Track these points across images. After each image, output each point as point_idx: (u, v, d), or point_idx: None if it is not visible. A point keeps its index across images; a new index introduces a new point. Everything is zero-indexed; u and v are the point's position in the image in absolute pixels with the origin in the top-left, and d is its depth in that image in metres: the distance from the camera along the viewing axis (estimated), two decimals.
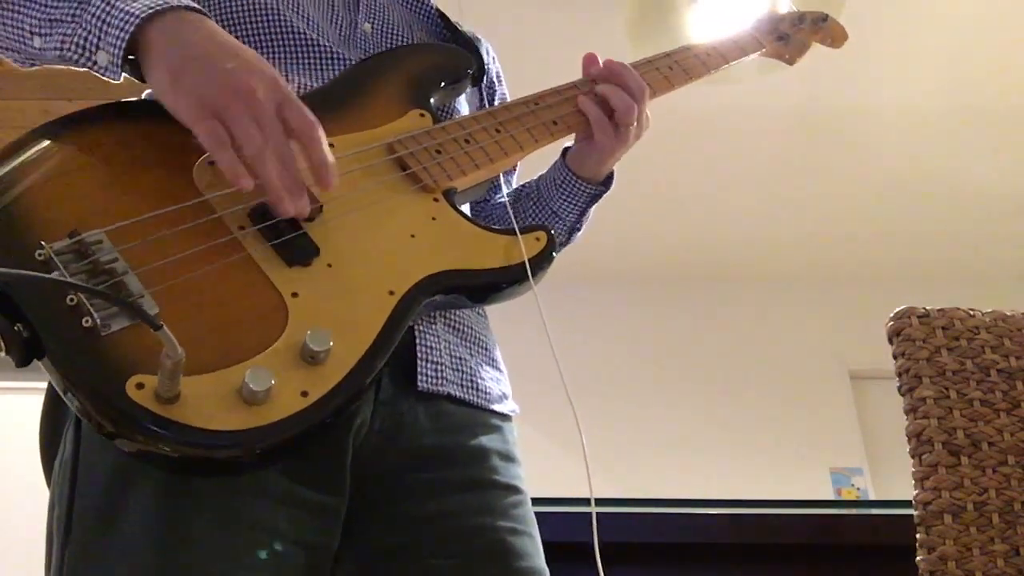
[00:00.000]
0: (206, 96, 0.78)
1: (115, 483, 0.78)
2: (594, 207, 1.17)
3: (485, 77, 1.19)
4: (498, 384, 1.03)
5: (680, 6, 2.81)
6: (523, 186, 1.22)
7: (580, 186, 1.13)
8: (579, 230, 1.19)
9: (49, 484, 0.86)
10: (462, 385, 0.96)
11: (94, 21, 0.81)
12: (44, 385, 0.88)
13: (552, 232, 0.97)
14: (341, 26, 1.10)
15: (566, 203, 1.14)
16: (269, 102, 0.79)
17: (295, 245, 0.81)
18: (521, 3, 2.95)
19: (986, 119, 3.41)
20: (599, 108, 1.07)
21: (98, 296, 0.69)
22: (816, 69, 3.09)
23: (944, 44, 3.10)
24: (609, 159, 1.11)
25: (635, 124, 1.07)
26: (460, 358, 0.98)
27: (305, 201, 0.82)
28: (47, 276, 0.69)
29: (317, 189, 0.83)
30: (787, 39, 1.34)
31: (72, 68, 0.87)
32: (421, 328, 0.94)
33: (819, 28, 1.37)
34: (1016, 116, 3.39)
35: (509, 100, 1.20)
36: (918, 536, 0.98)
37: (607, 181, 1.15)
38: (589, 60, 1.13)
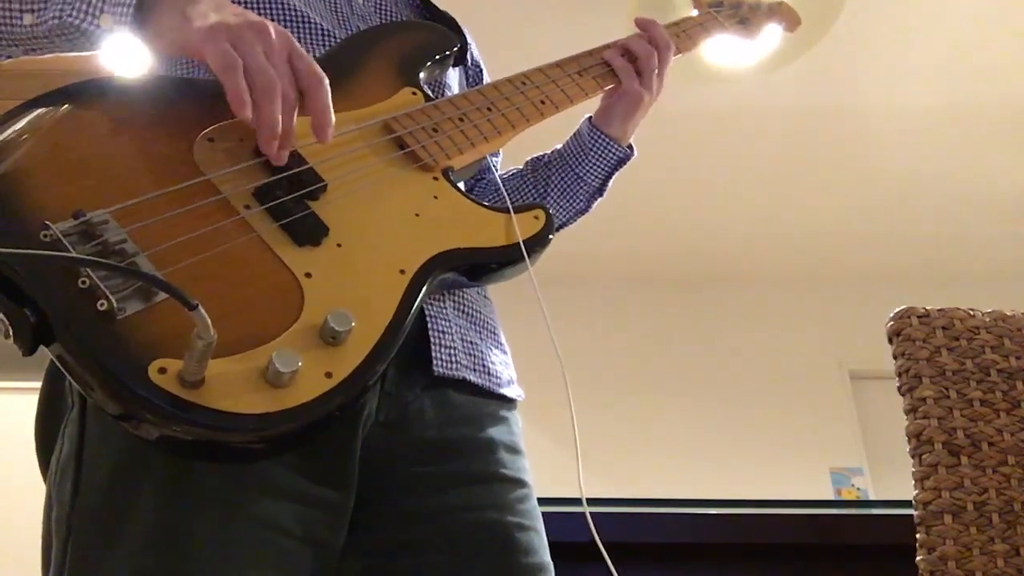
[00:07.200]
0: (221, 24, 0.79)
1: (115, 485, 0.77)
2: (612, 179, 1.20)
3: (469, 57, 1.20)
4: (506, 368, 1.03)
5: (680, 6, 2.81)
6: (539, 157, 1.23)
7: (610, 146, 1.17)
8: (599, 198, 1.21)
9: (46, 483, 0.84)
10: (475, 369, 0.95)
11: None
12: (40, 384, 0.88)
13: (549, 210, 0.97)
14: (333, 0, 1.10)
15: (593, 166, 1.18)
16: (281, 47, 0.80)
17: (304, 224, 0.80)
18: (522, 3, 2.96)
19: (985, 119, 3.41)
20: (623, 58, 1.17)
21: (131, 277, 0.66)
22: (816, 69, 3.09)
23: (944, 44, 3.09)
24: (636, 109, 1.17)
25: (658, 72, 1.18)
26: (471, 342, 0.97)
27: (287, 153, 0.82)
28: (73, 255, 0.66)
29: (311, 141, 0.82)
30: (747, 23, 1.44)
31: (63, 54, 0.86)
32: (432, 313, 0.93)
33: (775, 12, 1.48)
34: (1016, 116, 3.38)
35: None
36: (918, 536, 0.98)
37: (630, 148, 1.21)
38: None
